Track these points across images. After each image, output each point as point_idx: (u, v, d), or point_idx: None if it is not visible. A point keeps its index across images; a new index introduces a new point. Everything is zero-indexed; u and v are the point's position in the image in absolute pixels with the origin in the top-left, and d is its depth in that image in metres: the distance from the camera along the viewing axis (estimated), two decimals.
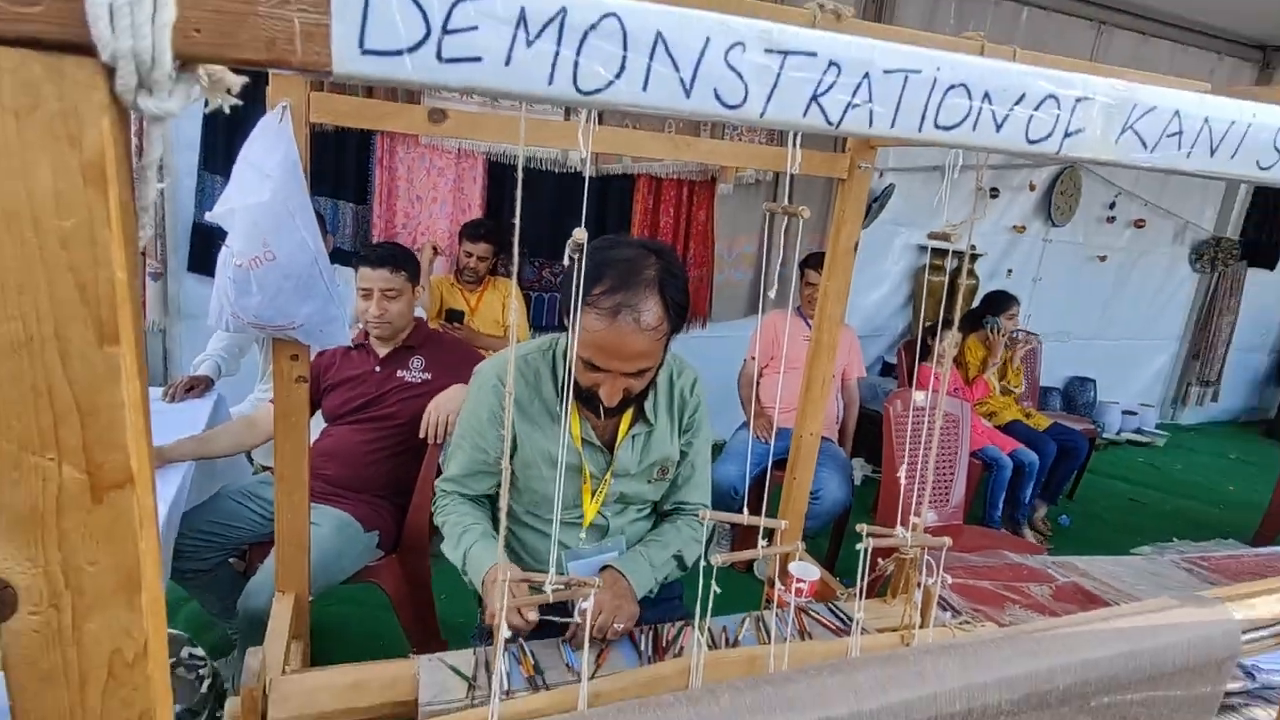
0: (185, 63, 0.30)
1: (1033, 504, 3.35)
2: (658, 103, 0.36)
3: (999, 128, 0.44)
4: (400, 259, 1.93)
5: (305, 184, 0.97)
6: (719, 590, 0.72)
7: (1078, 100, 0.46)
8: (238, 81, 0.33)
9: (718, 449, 2.28)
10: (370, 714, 0.96)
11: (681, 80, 0.36)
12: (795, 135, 0.49)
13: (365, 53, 0.32)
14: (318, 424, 1.96)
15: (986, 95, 0.43)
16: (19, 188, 0.28)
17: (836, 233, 1.32)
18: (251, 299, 0.99)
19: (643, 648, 1.12)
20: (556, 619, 1.04)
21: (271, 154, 0.94)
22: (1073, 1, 4.22)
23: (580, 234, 0.48)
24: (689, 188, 3.71)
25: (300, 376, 1.13)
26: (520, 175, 0.49)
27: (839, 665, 0.55)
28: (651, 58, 0.35)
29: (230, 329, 1.07)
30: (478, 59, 0.33)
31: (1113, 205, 4.95)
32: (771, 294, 0.71)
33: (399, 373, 1.95)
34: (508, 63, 0.33)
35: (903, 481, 0.96)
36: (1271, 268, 5.68)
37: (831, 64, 0.38)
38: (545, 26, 0.33)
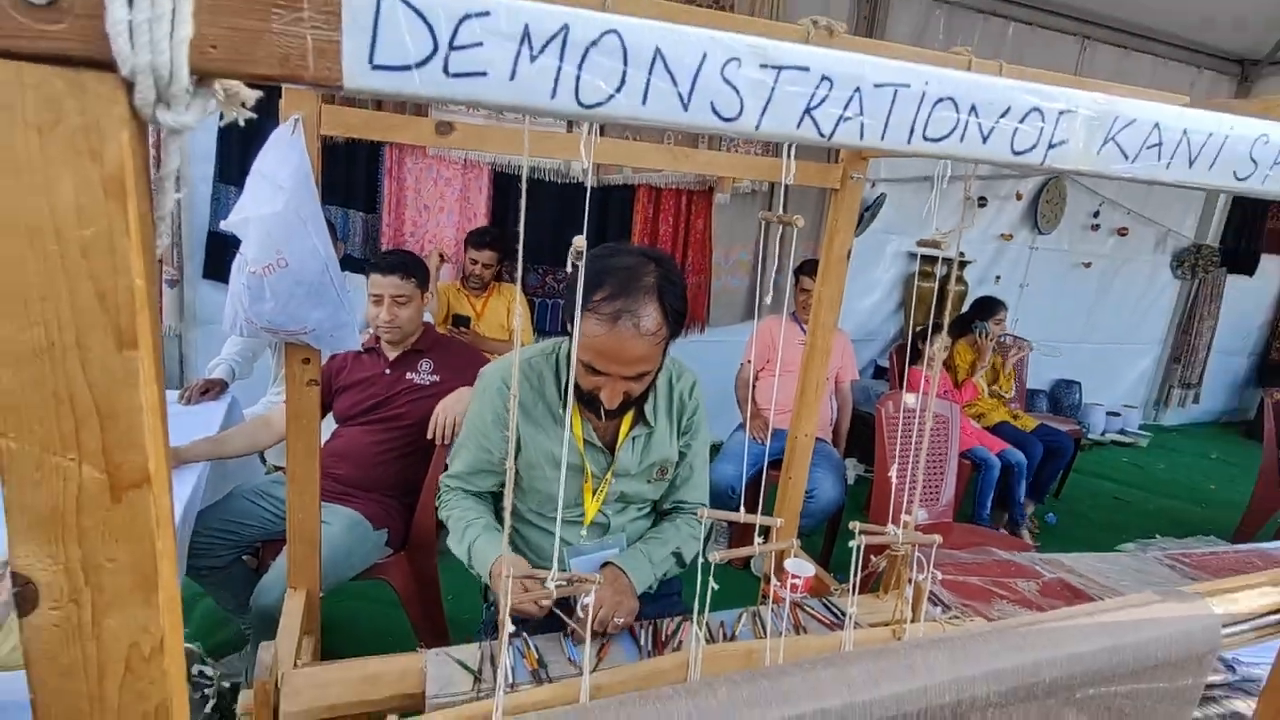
0: (202, 78, 0.31)
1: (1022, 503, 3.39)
2: (657, 116, 0.37)
3: (985, 139, 0.45)
4: (411, 266, 1.96)
5: (316, 194, 0.98)
6: (717, 586, 0.74)
7: (1061, 113, 0.47)
8: (252, 96, 0.34)
9: (715, 449, 2.29)
10: (379, 707, 0.97)
11: (680, 94, 0.37)
12: (789, 147, 0.50)
13: (375, 68, 0.32)
14: (328, 425, 1.98)
15: (973, 108, 0.44)
16: (42, 202, 0.29)
17: (830, 241, 1.34)
18: (265, 305, 1.00)
19: (643, 642, 1.14)
20: (559, 613, 1.05)
21: (284, 165, 0.95)
22: (1058, 17, 4.29)
23: (581, 242, 0.49)
24: (687, 197, 3.76)
25: (311, 380, 1.14)
26: (524, 185, 0.51)
27: (833, 659, 0.56)
28: (651, 73, 0.36)
29: (244, 334, 1.08)
30: (483, 74, 0.34)
31: (1097, 214, 5.02)
32: (767, 300, 0.73)
33: (408, 375, 1.99)
34: (512, 77, 0.34)
35: (894, 481, 0.98)
36: (1250, 274, 5.79)
37: (824, 78, 0.39)
38: (548, 42, 0.34)
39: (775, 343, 2.85)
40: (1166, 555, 1.69)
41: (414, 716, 0.91)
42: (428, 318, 2.17)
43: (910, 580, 1.02)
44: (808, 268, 2.84)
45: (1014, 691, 0.61)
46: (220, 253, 3.10)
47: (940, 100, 0.43)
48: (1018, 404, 3.94)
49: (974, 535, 2.46)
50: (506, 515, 0.57)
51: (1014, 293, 4.77)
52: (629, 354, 1.06)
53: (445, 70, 0.33)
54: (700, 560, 0.76)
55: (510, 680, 0.99)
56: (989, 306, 3.46)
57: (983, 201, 4.56)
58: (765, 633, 1.16)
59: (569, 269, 0.49)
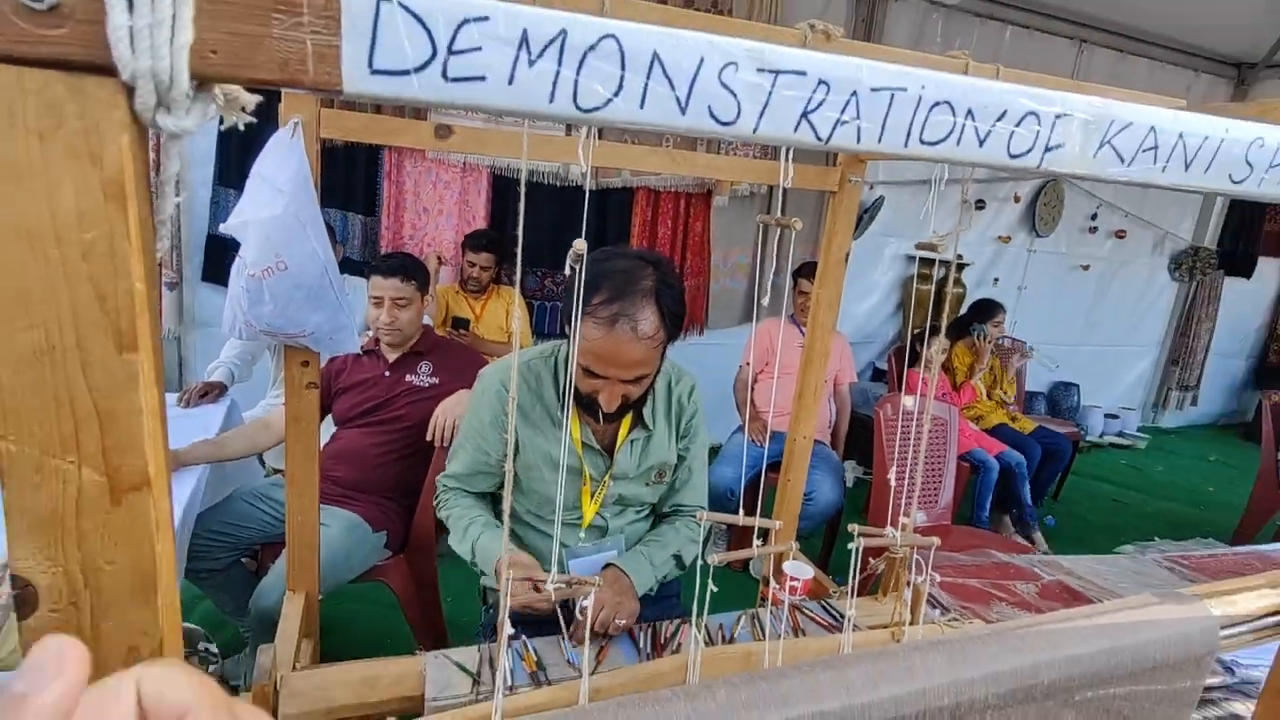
0: (202, 82, 0.31)
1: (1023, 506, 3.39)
2: (655, 120, 0.37)
3: (982, 143, 0.45)
4: (411, 269, 1.98)
5: (316, 197, 0.98)
6: (716, 589, 0.74)
7: (1057, 116, 0.47)
8: (252, 100, 0.34)
9: (714, 452, 2.30)
10: (378, 709, 0.97)
11: (677, 98, 0.37)
12: (787, 150, 0.51)
13: (374, 73, 0.33)
14: (328, 427, 1.99)
15: (970, 112, 0.44)
16: (43, 206, 0.29)
17: (828, 244, 1.34)
18: (264, 308, 1.01)
19: (642, 644, 1.14)
20: (561, 615, 1.06)
21: (283, 168, 0.95)
22: (1055, 21, 4.31)
23: (580, 245, 0.50)
24: (686, 200, 3.78)
25: (310, 382, 1.14)
26: (523, 189, 0.51)
27: (831, 661, 0.56)
28: (648, 77, 0.36)
29: (243, 337, 1.08)
30: (482, 78, 0.34)
31: (1094, 216, 5.04)
32: (765, 302, 0.73)
33: (408, 377, 2.00)
34: (511, 82, 0.34)
35: (893, 483, 0.98)
36: (1248, 276, 5.81)
37: (821, 82, 0.40)
38: (546, 47, 0.34)
39: (774, 345, 2.86)
40: (1165, 557, 1.69)
41: (413, 719, 0.91)
42: (427, 320, 2.18)
43: (909, 582, 1.02)
44: (806, 270, 2.85)
45: (1012, 694, 0.61)
46: (220, 256, 3.11)
47: (937, 104, 0.43)
48: (1016, 406, 3.95)
49: (973, 537, 2.46)
50: (505, 516, 0.57)
51: (1012, 295, 4.79)
52: (626, 357, 1.07)
53: (444, 75, 0.34)
54: (699, 562, 0.76)
55: (509, 683, 0.99)
56: (987, 309, 3.46)
57: (980, 204, 4.57)
58: (764, 635, 1.16)
59: (568, 272, 0.49)
